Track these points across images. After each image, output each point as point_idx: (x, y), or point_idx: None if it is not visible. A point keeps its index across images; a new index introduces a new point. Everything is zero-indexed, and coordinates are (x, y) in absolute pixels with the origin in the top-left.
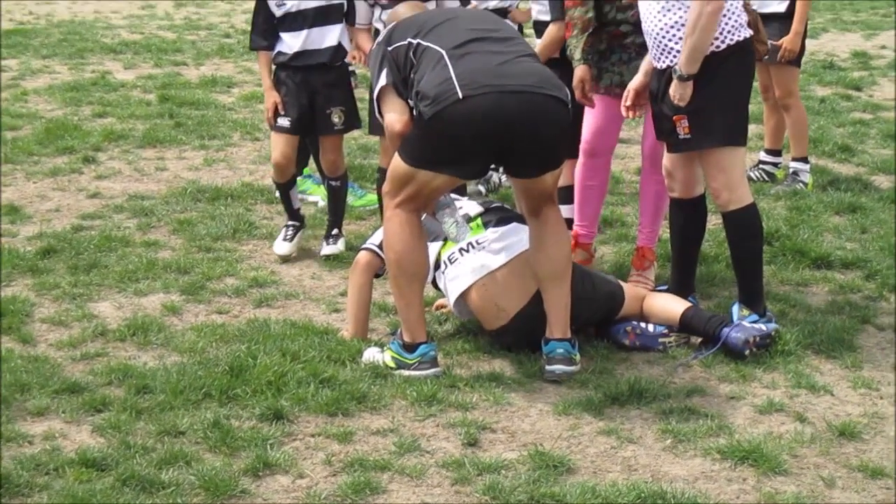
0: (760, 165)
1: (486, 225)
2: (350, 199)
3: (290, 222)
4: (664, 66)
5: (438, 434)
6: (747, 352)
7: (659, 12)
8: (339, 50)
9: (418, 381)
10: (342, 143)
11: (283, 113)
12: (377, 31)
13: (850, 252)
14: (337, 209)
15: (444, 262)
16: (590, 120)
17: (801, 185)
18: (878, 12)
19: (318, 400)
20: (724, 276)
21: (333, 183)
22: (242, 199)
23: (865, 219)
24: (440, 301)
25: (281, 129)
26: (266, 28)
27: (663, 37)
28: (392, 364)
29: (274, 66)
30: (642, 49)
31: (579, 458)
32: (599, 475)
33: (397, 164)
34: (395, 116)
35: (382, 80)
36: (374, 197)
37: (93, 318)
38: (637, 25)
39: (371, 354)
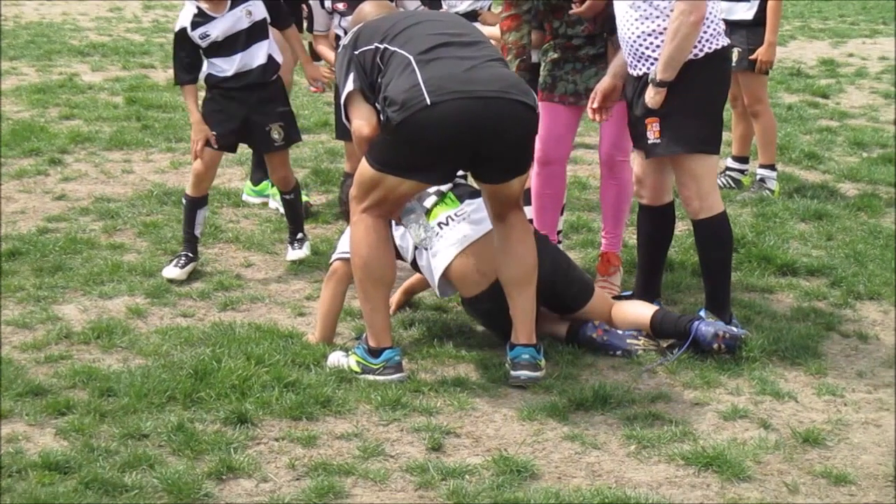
0: (727, 172)
1: (459, 198)
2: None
3: (184, 252)
4: (640, 73)
5: (402, 439)
6: (715, 345)
7: (637, 20)
8: (268, 66)
9: (383, 385)
10: (288, 158)
11: (209, 128)
12: (337, 38)
13: (816, 259)
14: (296, 217)
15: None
16: (543, 129)
17: (767, 191)
18: (845, 20)
19: (282, 404)
20: (690, 282)
21: (287, 197)
22: (209, 202)
23: (831, 226)
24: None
25: (207, 144)
26: (189, 61)
27: (640, 44)
28: (357, 368)
29: (205, 85)
30: (595, 59)
31: (543, 464)
32: (563, 481)
33: (364, 169)
34: (362, 122)
35: (350, 86)
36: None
37: (57, 321)
38: (588, 38)
39: (336, 359)
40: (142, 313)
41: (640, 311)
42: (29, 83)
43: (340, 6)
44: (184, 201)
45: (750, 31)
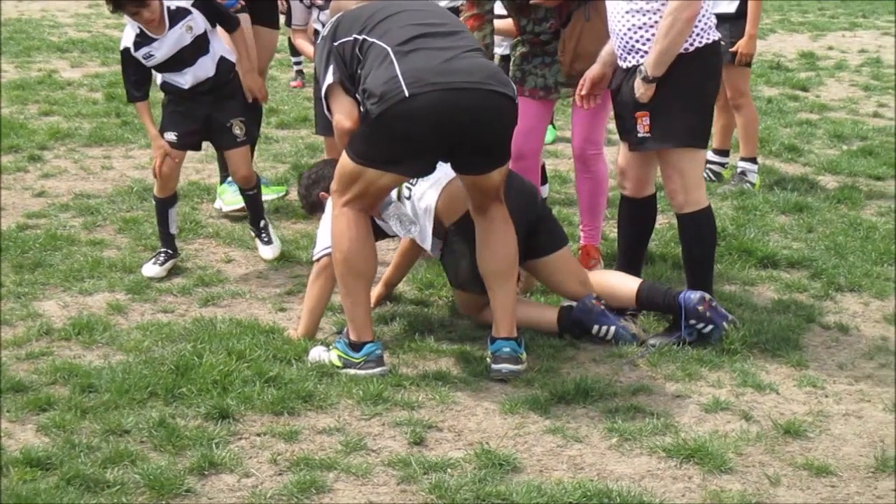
0: (708, 165)
1: None
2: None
3: (163, 249)
4: (629, 65)
5: (384, 433)
6: (701, 307)
7: (627, 13)
8: (220, 71)
9: (364, 379)
10: (249, 155)
11: (170, 129)
12: (316, 32)
13: (796, 251)
14: (257, 209)
15: (407, 188)
16: None
17: (748, 184)
18: (825, 13)
19: (263, 399)
20: (671, 275)
21: (249, 192)
22: (189, 197)
23: (811, 218)
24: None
25: (167, 143)
26: (138, 79)
27: (630, 37)
28: (338, 363)
29: (162, 92)
30: None
31: (525, 457)
32: (545, 474)
33: (345, 162)
34: (342, 116)
35: (329, 78)
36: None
37: (38, 317)
38: (555, 34)
39: (317, 353)
40: (122, 309)
41: (626, 281)
42: (8, 80)
43: (319, 0)
44: (154, 202)
45: (733, 25)
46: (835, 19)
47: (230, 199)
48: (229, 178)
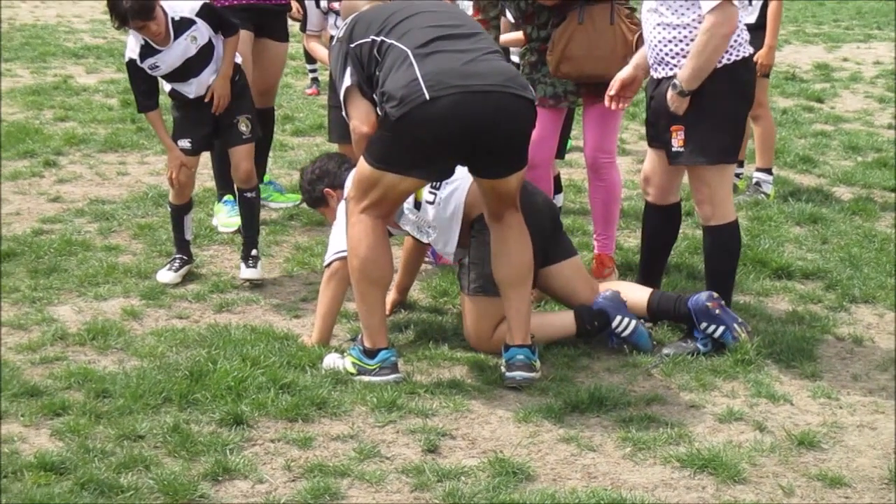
0: None
1: None
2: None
3: (178, 255)
4: (660, 76)
5: (398, 440)
6: (710, 304)
7: (658, 25)
8: None
9: (378, 387)
10: (253, 152)
11: (184, 136)
12: (332, 38)
13: (811, 262)
14: (253, 224)
15: (432, 192)
16: None
17: (762, 195)
18: (840, 25)
19: (278, 405)
20: (686, 286)
21: (248, 195)
22: (203, 204)
23: (826, 229)
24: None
25: (183, 151)
26: (146, 88)
27: (661, 50)
28: (352, 370)
29: (170, 98)
30: None
31: (539, 466)
32: (559, 482)
33: (362, 167)
34: (359, 122)
35: (347, 81)
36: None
37: (52, 322)
38: None
39: (331, 360)
40: (137, 315)
41: (636, 291)
42: (24, 85)
43: (336, 5)
44: (169, 208)
45: (752, 36)
46: (850, 31)
47: (224, 220)
48: (226, 198)
